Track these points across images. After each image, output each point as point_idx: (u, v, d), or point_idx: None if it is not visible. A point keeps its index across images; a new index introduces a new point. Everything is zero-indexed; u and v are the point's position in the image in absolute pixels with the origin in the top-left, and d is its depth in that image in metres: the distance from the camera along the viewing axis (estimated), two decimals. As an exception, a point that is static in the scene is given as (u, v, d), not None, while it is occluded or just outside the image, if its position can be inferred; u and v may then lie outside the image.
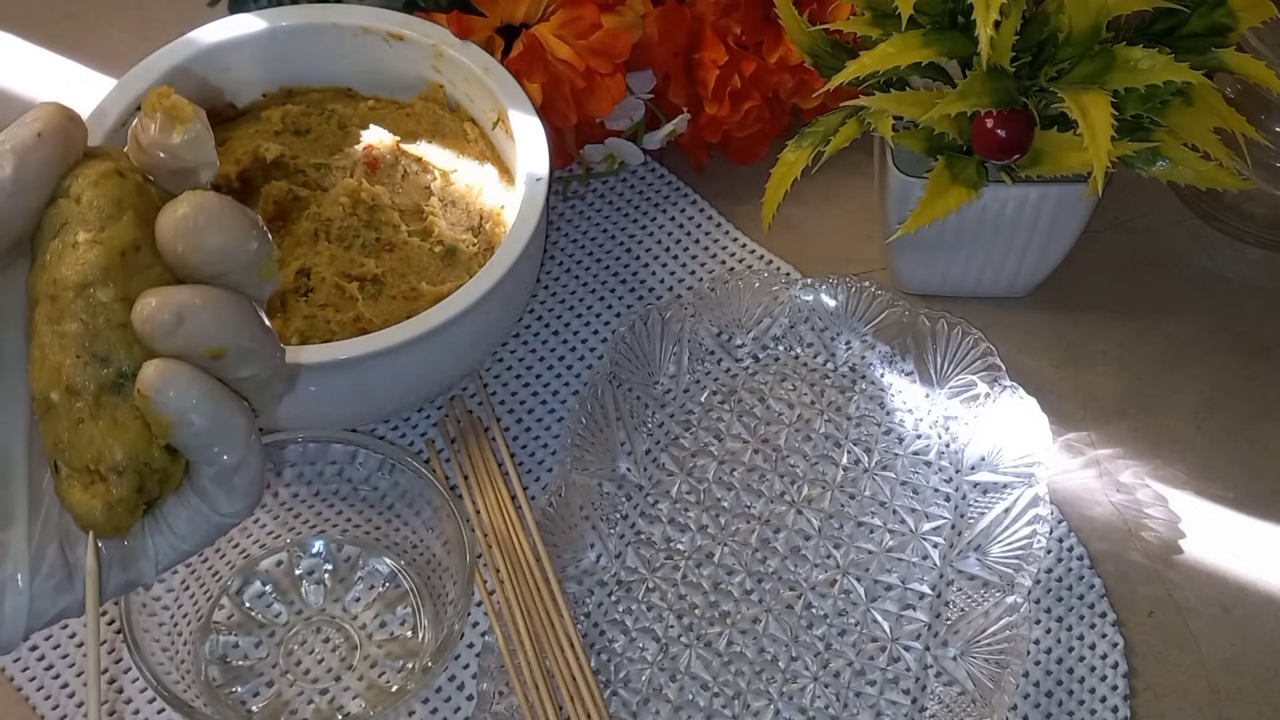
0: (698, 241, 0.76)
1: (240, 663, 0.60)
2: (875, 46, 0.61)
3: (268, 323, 0.35)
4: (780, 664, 0.61)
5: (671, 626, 0.62)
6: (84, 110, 0.64)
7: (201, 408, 0.33)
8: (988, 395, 0.67)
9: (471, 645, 0.62)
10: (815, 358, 0.70)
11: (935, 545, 0.64)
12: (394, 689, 0.59)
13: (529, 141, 0.65)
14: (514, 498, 0.64)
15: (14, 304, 0.36)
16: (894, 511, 0.65)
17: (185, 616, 0.59)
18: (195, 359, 0.33)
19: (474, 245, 0.66)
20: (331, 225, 0.64)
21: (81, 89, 0.82)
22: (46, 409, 0.34)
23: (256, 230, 0.34)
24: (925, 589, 0.63)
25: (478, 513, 0.64)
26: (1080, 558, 0.64)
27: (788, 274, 0.74)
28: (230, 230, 0.33)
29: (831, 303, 0.70)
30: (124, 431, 0.34)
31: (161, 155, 0.34)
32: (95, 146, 0.35)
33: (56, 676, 0.60)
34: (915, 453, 0.67)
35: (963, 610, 0.62)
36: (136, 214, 0.34)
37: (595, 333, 0.72)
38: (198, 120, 0.34)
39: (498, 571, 0.61)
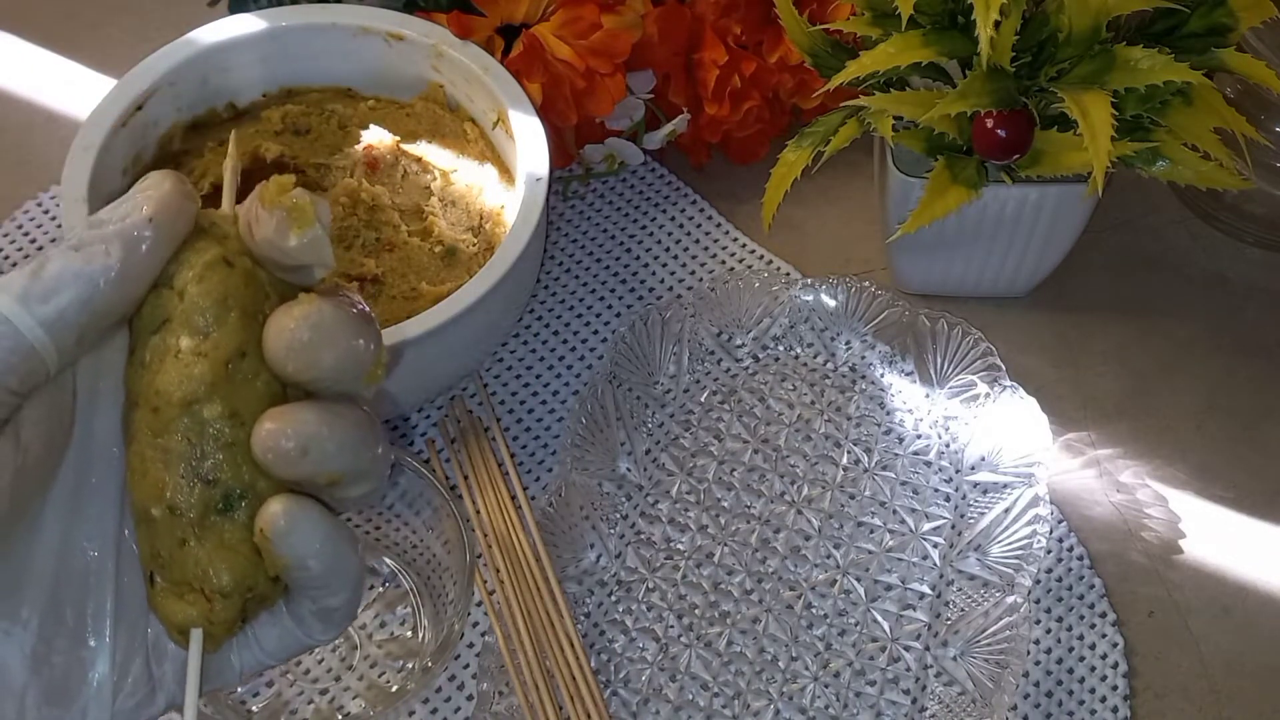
0: (698, 241, 0.76)
1: None
2: (875, 46, 0.61)
3: (379, 433, 0.33)
4: (780, 664, 0.61)
5: (671, 626, 0.62)
6: (83, 111, 0.65)
7: (322, 553, 0.32)
8: (988, 395, 0.67)
9: (471, 645, 0.62)
10: (815, 358, 0.70)
11: (935, 545, 0.64)
12: (394, 689, 0.59)
13: (529, 141, 0.65)
14: (514, 498, 0.64)
15: (108, 386, 0.33)
16: (894, 511, 0.65)
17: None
18: (311, 486, 0.32)
19: (474, 245, 0.66)
20: (331, 225, 0.64)
21: (81, 89, 0.82)
22: (146, 520, 0.33)
23: (368, 336, 0.32)
24: (925, 589, 0.63)
25: (478, 513, 0.64)
26: (1080, 558, 0.64)
27: (788, 274, 0.74)
28: (343, 346, 0.31)
29: (831, 303, 0.70)
30: (232, 555, 0.33)
31: (273, 253, 0.32)
32: (204, 214, 0.33)
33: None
34: (915, 453, 0.67)
35: (963, 610, 0.62)
36: (243, 313, 0.32)
37: (595, 333, 0.72)
38: (318, 224, 0.32)
39: (498, 571, 0.61)
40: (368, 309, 0.33)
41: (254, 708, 0.59)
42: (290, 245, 0.32)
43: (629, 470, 0.66)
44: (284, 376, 0.32)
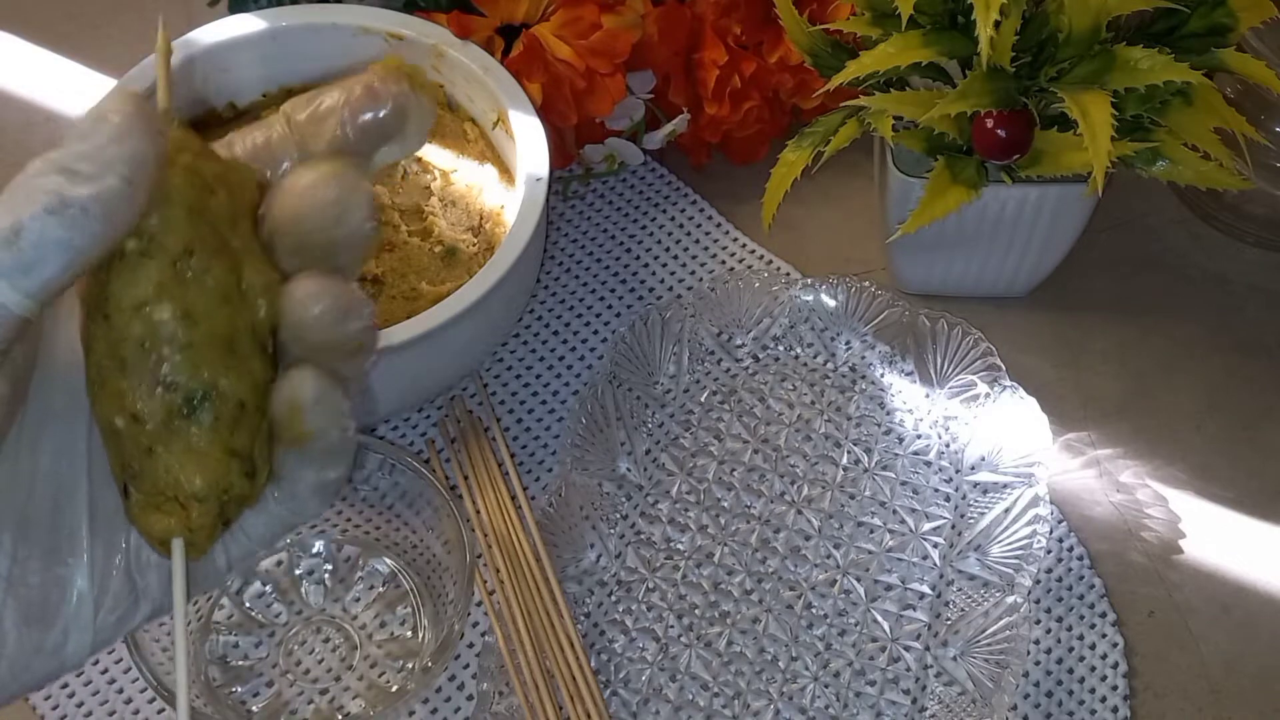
0: (698, 241, 0.76)
1: (240, 663, 0.60)
2: (875, 46, 0.61)
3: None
4: (780, 664, 0.61)
5: (671, 626, 0.62)
6: (83, 111, 0.64)
7: (344, 423, 0.32)
8: (988, 395, 0.67)
9: (471, 645, 0.62)
10: (815, 358, 0.70)
11: (935, 545, 0.64)
12: (394, 689, 0.59)
13: (529, 141, 0.65)
14: (514, 498, 0.64)
15: (63, 301, 0.33)
16: (894, 511, 0.65)
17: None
18: (328, 354, 0.32)
19: (474, 245, 0.66)
20: None
21: (81, 89, 0.82)
22: (111, 433, 0.32)
23: (373, 216, 0.32)
24: (925, 589, 0.63)
25: (478, 513, 0.64)
26: (1080, 558, 0.64)
27: (788, 274, 0.74)
28: (363, 212, 0.32)
29: (831, 303, 0.70)
30: (202, 459, 0.32)
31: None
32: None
33: (56, 676, 0.60)
34: (915, 453, 0.67)
35: (963, 610, 0.62)
36: (188, 210, 0.31)
37: (595, 333, 0.72)
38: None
39: (498, 571, 0.61)
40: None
41: (254, 708, 0.59)
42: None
43: (629, 470, 0.66)
44: (295, 235, 0.32)
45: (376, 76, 0.33)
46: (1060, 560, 0.64)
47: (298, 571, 0.62)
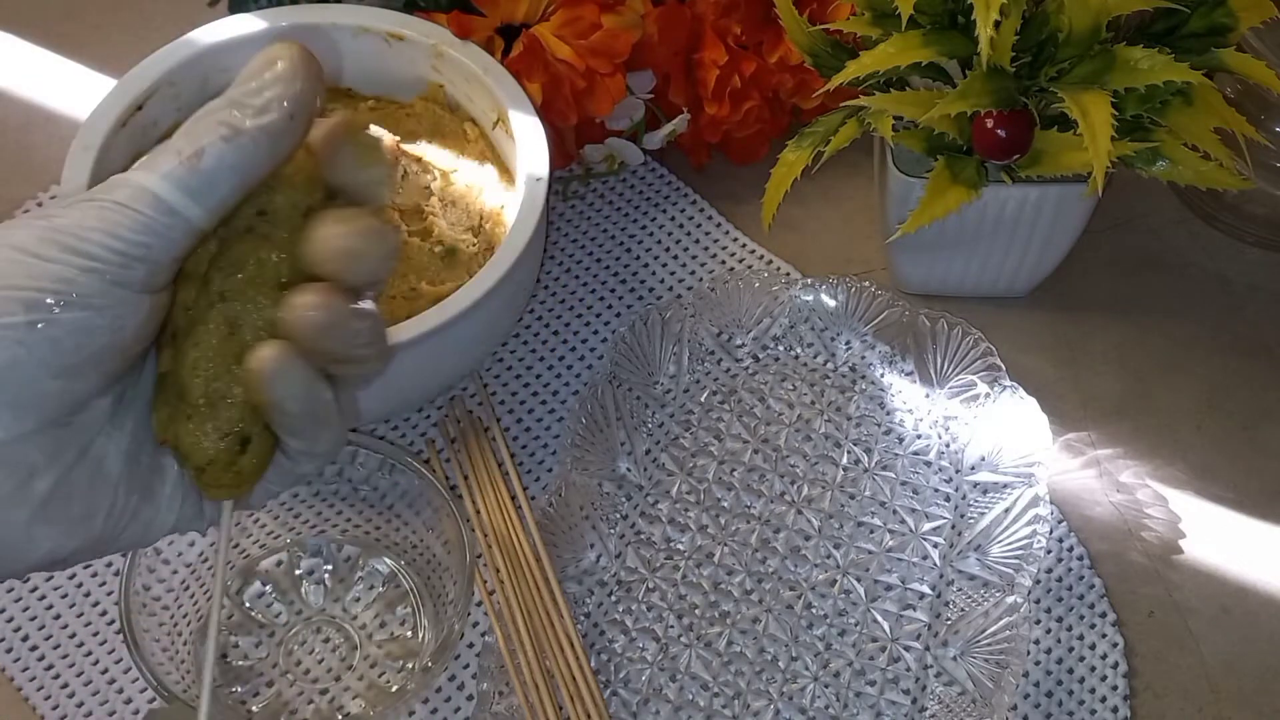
0: (698, 241, 0.76)
1: (240, 663, 0.60)
2: (875, 46, 0.61)
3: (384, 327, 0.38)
4: (780, 664, 0.61)
5: (671, 626, 0.62)
6: (83, 111, 0.65)
7: (301, 399, 0.36)
8: (988, 395, 0.67)
9: (471, 645, 0.62)
10: (815, 358, 0.70)
11: (935, 545, 0.64)
12: (394, 689, 0.59)
13: (529, 141, 0.65)
14: (514, 498, 0.64)
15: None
16: (894, 511, 0.65)
17: (185, 616, 0.59)
18: (327, 357, 0.36)
19: (474, 245, 0.66)
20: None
21: (81, 89, 0.82)
22: (174, 382, 0.37)
23: (394, 254, 0.37)
24: (925, 589, 0.63)
25: (478, 513, 0.64)
26: (1080, 558, 0.64)
27: (788, 274, 0.74)
28: (381, 257, 0.37)
29: (831, 303, 0.70)
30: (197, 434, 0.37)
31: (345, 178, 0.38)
32: None
33: (57, 677, 0.60)
34: (915, 453, 0.67)
35: (963, 610, 0.62)
36: (299, 196, 0.37)
37: (595, 333, 0.72)
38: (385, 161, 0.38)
39: (498, 571, 0.61)
40: (397, 230, 0.38)
41: (254, 708, 0.59)
42: (360, 178, 0.37)
43: (629, 470, 0.66)
44: (319, 274, 0.36)
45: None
46: (1060, 560, 0.64)
47: (298, 571, 0.62)
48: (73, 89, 0.82)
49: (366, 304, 0.37)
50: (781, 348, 0.71)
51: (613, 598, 0.62)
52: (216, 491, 0.38)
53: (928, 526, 0.64)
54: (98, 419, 0.36)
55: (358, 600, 0.62)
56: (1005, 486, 0.64)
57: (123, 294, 0.34)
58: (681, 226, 0.76)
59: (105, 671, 0.60)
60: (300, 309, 0.35)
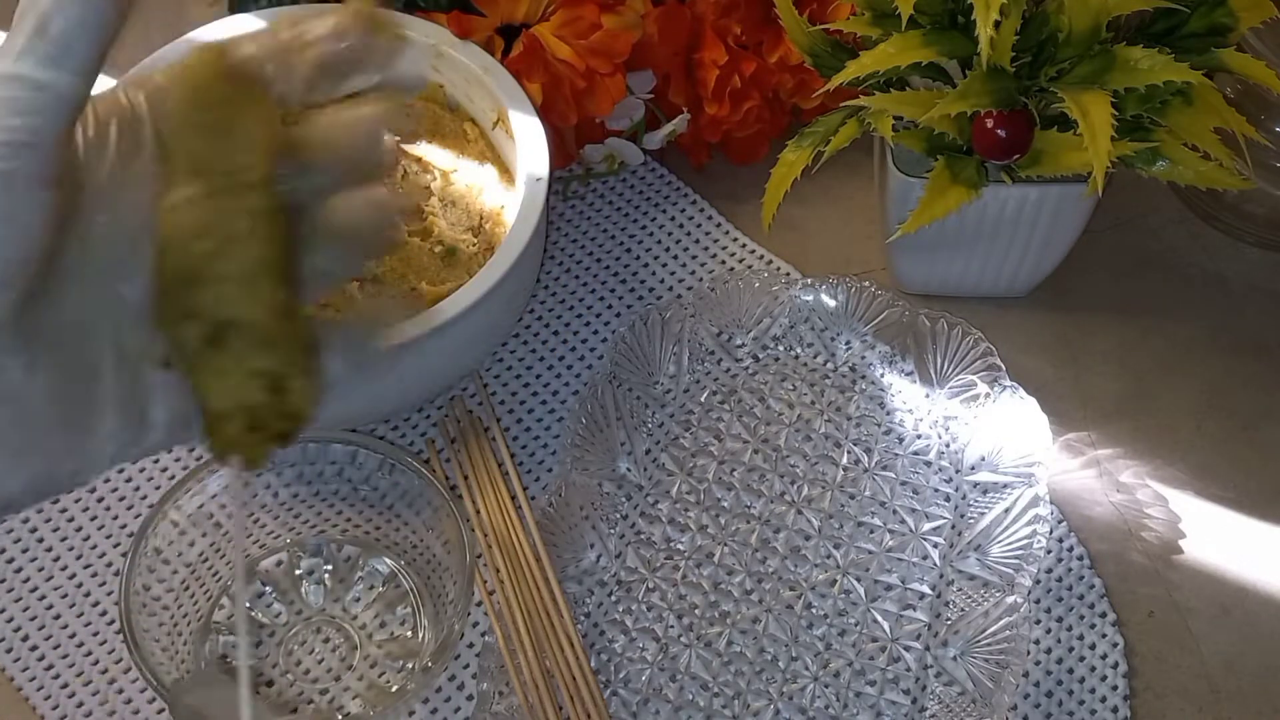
0: (698, 241, 0.76)
1: (240, 662, 0.60)
2: (875, 46, 0.61)
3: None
4: (780, 664, 0.61)
5: (671, 626, 0.62)
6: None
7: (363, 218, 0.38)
8: (988, 395, 0.67)
9: (471, 645, 0.62)
10: (815, 358, 0.70)
11: (935, 545, 0.64)
12: (394, 689, 0.59)
13: (529, 141, 0.65)
14: (514, 498, 0.64)
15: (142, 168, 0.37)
16: (894, 511, 0.65)
17: (185, 616, 0.59)
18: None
19: (474, 245, 0.66)
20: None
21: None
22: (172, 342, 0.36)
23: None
24: (925, 589, 0.63)
25: (478, 513, 0.64)
26: (1080, 558, 0.64)
27: (788, 274, 0.74)
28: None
29: (831, 303, 0.70)
30: (224, 380, 0.36)
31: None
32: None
33: (56, 676, 0.60)
34: (915, 453, 0.67)
35: (963, 610, 0.62)
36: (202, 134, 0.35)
37: (595, 333, 0.72)
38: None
39: (498, 571, 0.61)
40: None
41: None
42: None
43: (629, 470, 0.66)
44: (327, 158, 0.37)
45: (343, 22, 0.37)
46: (1060, 560, 0.64)
47: (298, 571, 0.62)
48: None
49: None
50: (781, 348, 0.71)
51: (613, 598, 0.62)
52: (235, 453, 0.37)
53: (928, 526, 0.64)
54: (13, 354, 0.34)
55: (358, 600, 0.62)
56: (1005, 486, 0.64)
57: (23, 194, 0.32)
58: (681, 226, 0.76)
59: (105, 671, 0.60)
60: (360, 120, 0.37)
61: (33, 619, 0.62)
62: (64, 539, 0.64)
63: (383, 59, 0.38)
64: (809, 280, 0.71)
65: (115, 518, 0.65)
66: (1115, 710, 0.60)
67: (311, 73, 0.37)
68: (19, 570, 0.63)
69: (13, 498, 0.35)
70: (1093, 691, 0.60)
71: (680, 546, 0.64)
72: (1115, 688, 0.60)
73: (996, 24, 0.57)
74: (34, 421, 0.35)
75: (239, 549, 0.38)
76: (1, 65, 0.32)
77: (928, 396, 0.68)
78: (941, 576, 0.63)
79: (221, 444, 0.36)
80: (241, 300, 0.35)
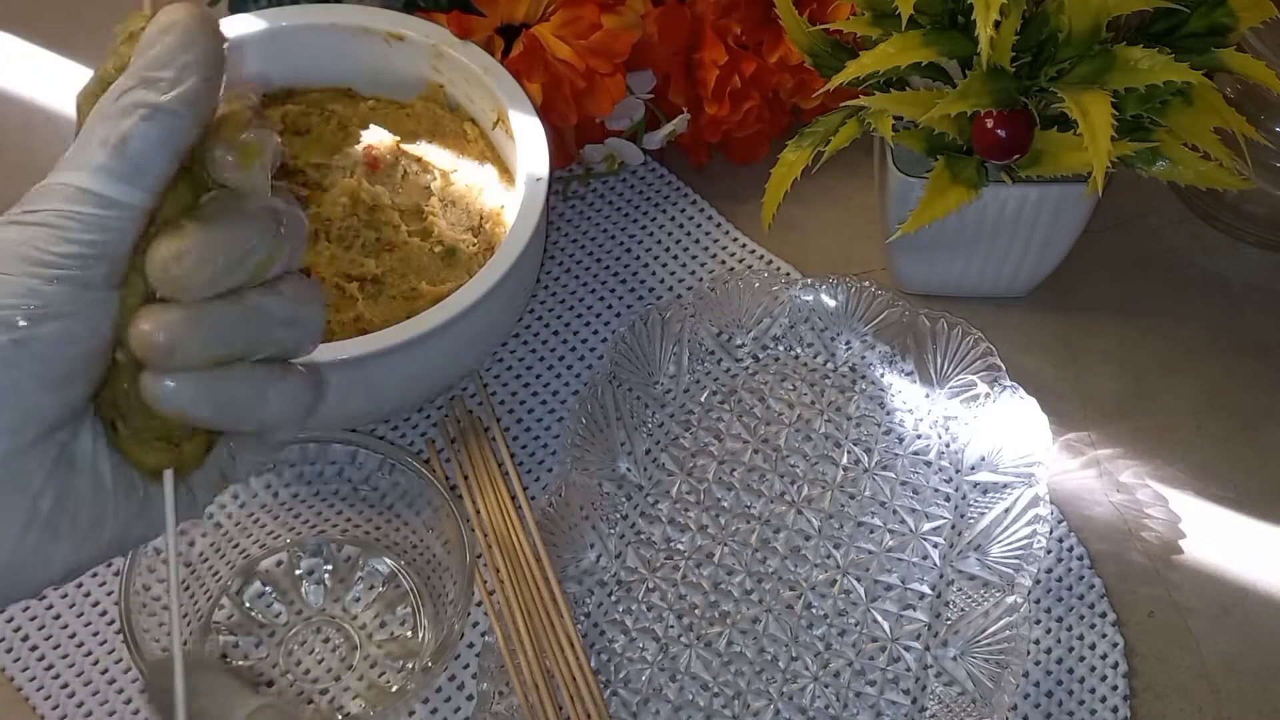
0: (698, 241, 0.76)
1: (240, 663, 0.60)
2: (875, 46, 0.61)
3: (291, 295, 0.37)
4: (780, 664, 0.61)
5: (671, 626, 0.62)
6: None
7: (203, 407, 0.35)
8: (988, 395, 0.67)
9: (471, 645, 0.62)
10: (815, 358, 0.70)
11: (935, 545, 0.64)
12: (394, 689, 0.59)
13: (529, 141, 0.65)
14: (514, 498, 0.64)
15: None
16: (894, 511, 0.65)
17: (185, 617, 0.59)
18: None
19: (474, 245, 0.66)
20: (331, 225, 0.64)
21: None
22: (111, 368, 0.35)
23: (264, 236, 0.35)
24: (925, 589, 0.63)
25: (478, 513, 0.64)
26: (1080, 558, 0.64)
27: (788, 274, 0.74)
28: (231, 260, 0.35)
29: (831, 303, 0.70)
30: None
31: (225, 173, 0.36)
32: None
33: (57, 676, 0.60)
34: (915, 453, 0.67)
35: (963, 610, 0.62)
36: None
37: (595, 333, 0.72)
38: (261, 163, 0.36)
39: (498, 571, 0.61)
40: (281, 210, 0.36)
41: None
42: (238, 177, 0.36)
43: (629, 470, 0.66)
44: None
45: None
46: (1060, 560, 0.64)
47: (298, 571, 0.62)
48: (73, 89, 0.82)
49: (254, 296, 0.35)
50: (781, 348, 0.71)
51: (613, 598, 0.62)
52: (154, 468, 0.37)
53: (928, 526, 0.64)
54: (83, 426, 0.35)
55: (358, 600, 0.62)
56: (1005, 486, 0.64)
57: (93, 295, 0.34)
58: (681, 226, 0.76)
59: (105, 671, 0.60)
60: (136, 338, 0.34)
61: (33, 619, 0.62)
62: (64, 539, 0.64)
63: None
64: (809, 280, 0.71)
65: (115, 518, 0.65)
66: (1115, 710, 0.60)
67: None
68: (19, 570, 0.63)
69: (83, 566, 0.36)
70: (1093, 691, 0.60)
71: (680, 546, 0.64)
72: (1115, 688, 0.60)
73: (996, 24, 0.57)
74: (107, 492, 0.36)
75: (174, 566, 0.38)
76: (77, 178, 0.33)
77: (928, 396, 0.68)
78: (941, 576, 0.63)
79: (164, 464, 0.37)
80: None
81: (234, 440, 0.39)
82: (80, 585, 0.63)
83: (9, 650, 0.61)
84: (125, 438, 0.36)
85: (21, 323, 0.32)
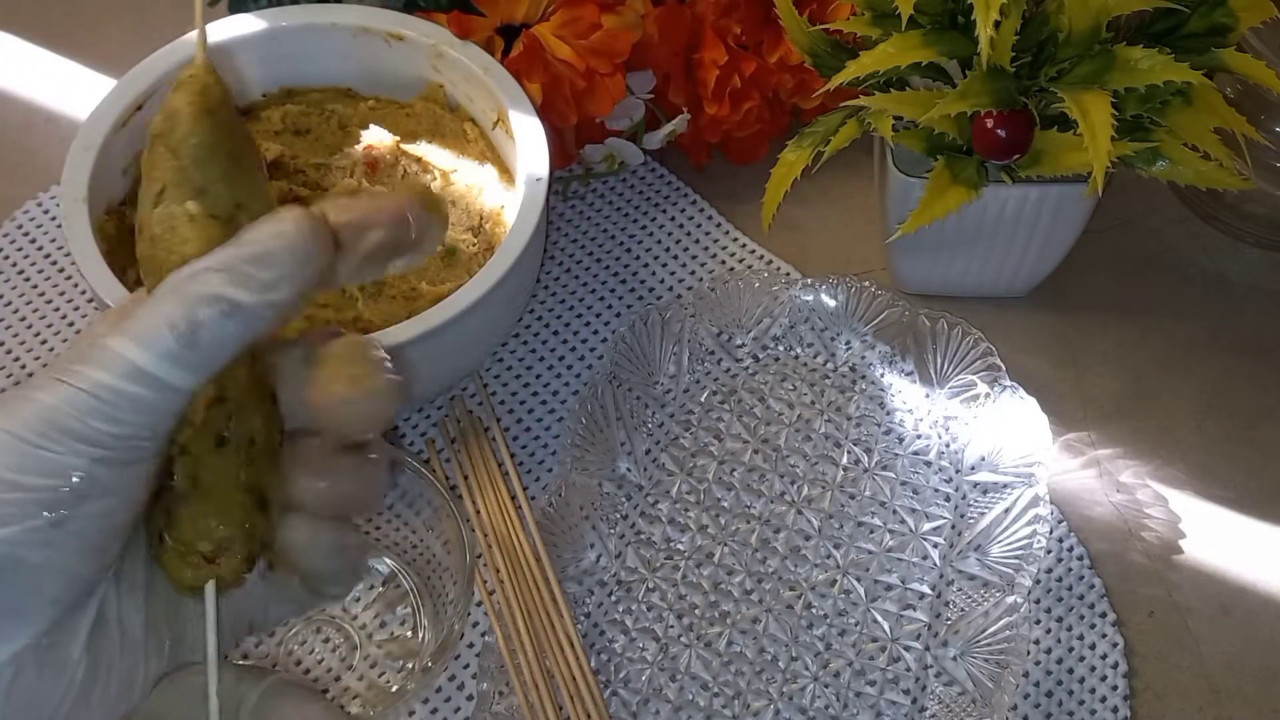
0: (698, 241, 0.76)
1: (240, 663, 0.60)
2: (875, 46, 0.61)
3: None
4: (780, 664, 0.61)
5: (671, 626, 0.62)
6: (83, 111, 0.65)
7: (335, 561, 0.37)
8: (988, 395, 0.67)
9: (471, 645, 0.62)
10: (815, 358, 0.70)
11: (935, 545, 0.64)
12: (394, 689, 0.59)
13: (529, 141, 0.65)
14: (514, 498, 0.64)
15: None
16: (894, 511, 0.65)
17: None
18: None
19: (474, 245, 0.66)
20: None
21: (81, 89, 0.82)
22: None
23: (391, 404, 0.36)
24: (925, 589, 0.63)
25: (478, 513, 0.64)
26: (1080, 558, 0.64)
27: (788, 274, 0.74)
28: (381, 413, 0.36)
29: (831, 303, 0.70)
30: (218, 499, 0.35)
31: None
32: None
33: None
34: (915, 453, 0.67)
35: (963, 610, 0.62)
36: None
37: (595, 333, 0.72)
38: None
39: (498, 571, 0.61)
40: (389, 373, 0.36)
41: (254, 708, 0.59)
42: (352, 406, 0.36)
43: (629, 470, 0.66)
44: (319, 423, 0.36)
45: (409, 201, 0.36)
46: (1060, 560, 0.64)
47: (298, 571, 0.62)
48: (73, 89, 0.82)
49: (370, 454, 0.37)
50: (781, 348, 0.71)
51: (613, 598, 0.62)
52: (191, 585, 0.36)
53: (928, 526, 0.64)
54: (109, 584, 0.35)
55: (358, 600, 0.62)
56: (1005, 486, 0.64)
57: (135, 471, 0.33)
58: (681, 226, 0.76)
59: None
60: (307, 492, 0.35)
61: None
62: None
63: (427, 245, 0.37)
64: (809, 280, 0.71)
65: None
66: (1115, 710, 0.60)
67: (370, 253, 0.36)
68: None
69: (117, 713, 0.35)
70: (1093, 691, 0.60)
71: (680, 546, 0.64)
72: (1115, 688, 0.60)
73: (996, 24, 0.57)
74: (138, 652, 0.35)
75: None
76: (136, 355, 0.32)
77: (928, 396, 0.68)
78: (941, 576, 0.63)
79: (204, 578, 0.36)
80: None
81: (273, 587, 0.38)
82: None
83: None
84: (169, 548, 0.35)
85: (63, 509, 0.31)
